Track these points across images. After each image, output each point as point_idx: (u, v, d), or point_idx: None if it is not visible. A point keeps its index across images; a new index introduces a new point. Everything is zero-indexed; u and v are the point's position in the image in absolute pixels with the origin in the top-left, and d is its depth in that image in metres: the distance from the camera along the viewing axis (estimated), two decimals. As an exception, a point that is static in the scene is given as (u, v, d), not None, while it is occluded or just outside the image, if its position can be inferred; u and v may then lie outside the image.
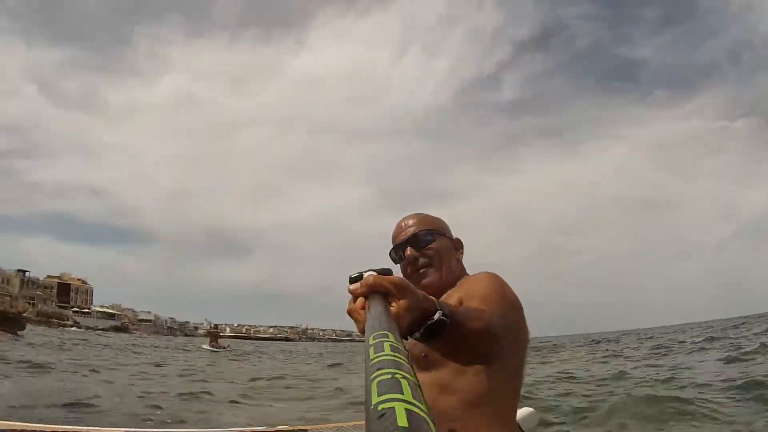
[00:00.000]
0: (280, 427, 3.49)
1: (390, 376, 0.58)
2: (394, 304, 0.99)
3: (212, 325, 28.38)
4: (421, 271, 1.74)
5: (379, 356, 0.65)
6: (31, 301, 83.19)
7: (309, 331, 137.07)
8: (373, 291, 1.00)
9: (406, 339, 1.04)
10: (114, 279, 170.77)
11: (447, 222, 1.88)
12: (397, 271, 1.44)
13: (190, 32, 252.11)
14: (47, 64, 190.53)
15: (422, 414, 0.51)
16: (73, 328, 73.84)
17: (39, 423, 3.31)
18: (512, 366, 1.55)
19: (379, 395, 0.54)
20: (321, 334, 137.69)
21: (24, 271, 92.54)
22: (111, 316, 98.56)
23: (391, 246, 1.81)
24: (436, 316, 1.07)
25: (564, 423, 7.19)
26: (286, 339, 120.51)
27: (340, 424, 3.30)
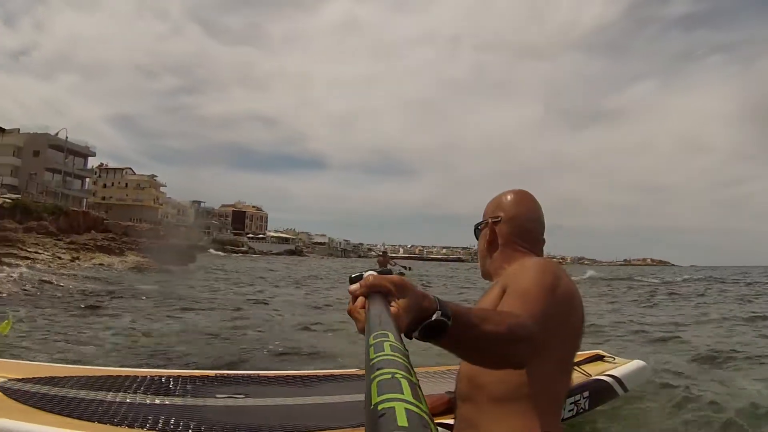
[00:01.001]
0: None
1: (390, 376, 0.58)
2: (394, 303, 0.99)
3: (383, 248, 22.33)
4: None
5: (379, 356, 0.65)
6: (207, 230, 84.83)
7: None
8: (373, 291, 1.01)
9: (410, 339, 1.04)
10: (289, 205, 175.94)
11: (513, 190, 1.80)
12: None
13: None
14: (208, 1, 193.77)
15: (422, 414, 0.51)
16: (248, 254, 73.48)
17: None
18: (553, 363, 1.47)
19: (379, 395, 0.54)
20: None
21: (199, 202, 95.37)
22: (285, 240, 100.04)
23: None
24: (434, 316, 1.05)
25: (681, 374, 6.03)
26: (458, 260, 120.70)
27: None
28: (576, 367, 2.74)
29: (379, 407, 0.51)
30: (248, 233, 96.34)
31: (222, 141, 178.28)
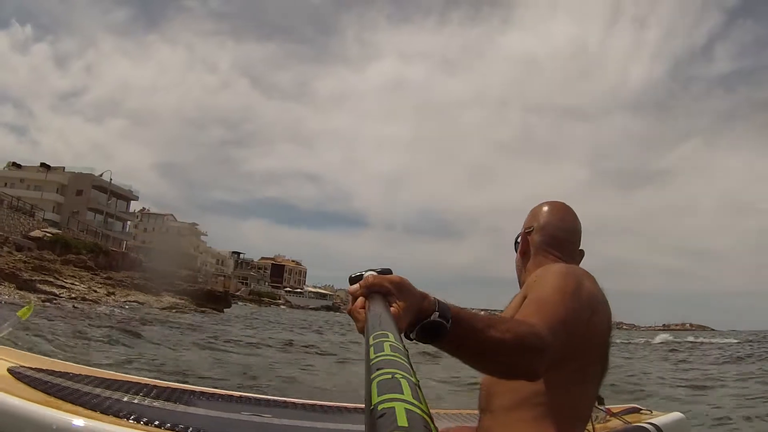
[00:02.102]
0: None
1: (390, 376, 0.58)
2: (394, 304, 0.99)
3: None
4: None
5: (379, 356, 0.65)
6: (244, 281, 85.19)
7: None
8: (373, 291, 1.01)
9: (410, 340, 1.07)
10: (328, 261, 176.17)
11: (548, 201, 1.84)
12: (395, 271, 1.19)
13: (396, 17, 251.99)
14: (257, 58, 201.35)
15: (422, 414, 0.51)
16: (283, 306, 72.80)
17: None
18: (571, 372, 1.42)
19: (379, 395, 0.54)
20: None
21: (238, 253, 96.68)
22: (322, 296, 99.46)
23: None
24: (432, 317, 1.05)
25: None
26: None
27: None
28: (616, 416, 2.71)
29: (379, 407, 0.51)
30: (286, 287, 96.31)
31: (266, 196, 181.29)
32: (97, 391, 2.24)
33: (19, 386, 2.05)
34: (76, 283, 25.99)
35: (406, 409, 0.50)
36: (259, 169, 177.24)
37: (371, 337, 0.73)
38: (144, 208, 78.37)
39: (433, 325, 1.04)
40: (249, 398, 2.84)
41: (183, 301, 32.00)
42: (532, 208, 1.81)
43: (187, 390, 2.72)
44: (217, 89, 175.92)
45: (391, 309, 0.96)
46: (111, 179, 56.45)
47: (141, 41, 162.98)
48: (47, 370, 2.40)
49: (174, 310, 27.61)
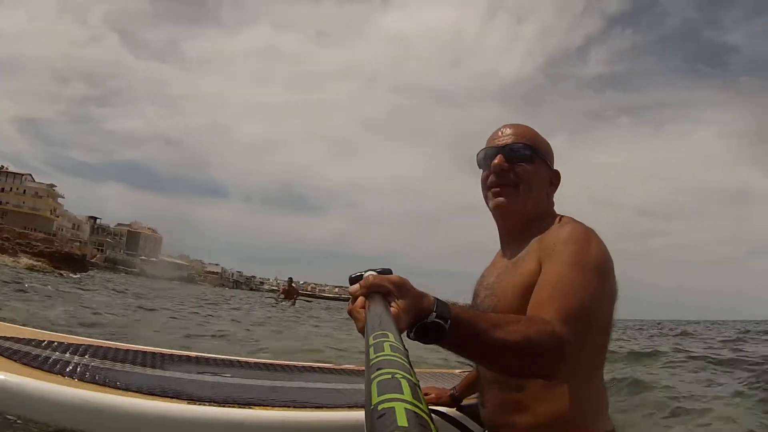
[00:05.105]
0: (346, 366, 3.23)
1: (390, 376, 0.58)
2: (394, 304, 0.98)
3: (288, 280, 21.67)
4: (503, 188, 1.52)
5: (379, 356, 0.65)
6: (100, 248, 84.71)
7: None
8: (373, 291, 1.01)
9: (411, 340, 1.04)
10: (185, 229, 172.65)
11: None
12: (395, 271, 1.13)
13: None
14: (130, 12, 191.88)
15: (422, 414, 0.51)
16: (135, 276, 73.59)
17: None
18: (591, 347, 1.35)
19: (379, 395, 0.54)
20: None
21: (95, 218, 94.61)
22: (178, 266, 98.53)
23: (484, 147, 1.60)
24: (429, 318, 1.03)
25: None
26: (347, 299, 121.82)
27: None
28: None
29: (379, 407, 0.51)
30: (141, 255, 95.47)
31: (125, 158, 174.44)
32: (66, 357, 2.17)
33: None
34: None
35: (406, 409, 0.50)
36: (120, 129, 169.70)
37: (371, 337, 0.73)
38: (2, 166, 75.70)
39: (430, 325, 1.03)
40: (206, 359, 2.74)
41: (40, 263, 32.45)
42: (539, 134, 1.59)
43: (145, 350, 2.66)
44: (86, 42, 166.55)
45: (391, 309, 0.96)
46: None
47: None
48: (14, 338, 2.31)
49: (32, 272, 27.04)
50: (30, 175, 79.30)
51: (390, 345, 0.69)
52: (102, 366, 2.14)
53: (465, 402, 2.05)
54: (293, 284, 19.98)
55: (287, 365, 2.89)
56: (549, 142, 1.62)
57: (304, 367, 2.95)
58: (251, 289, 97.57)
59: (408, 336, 1.02)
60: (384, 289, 1.00)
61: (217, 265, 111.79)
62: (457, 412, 2.01)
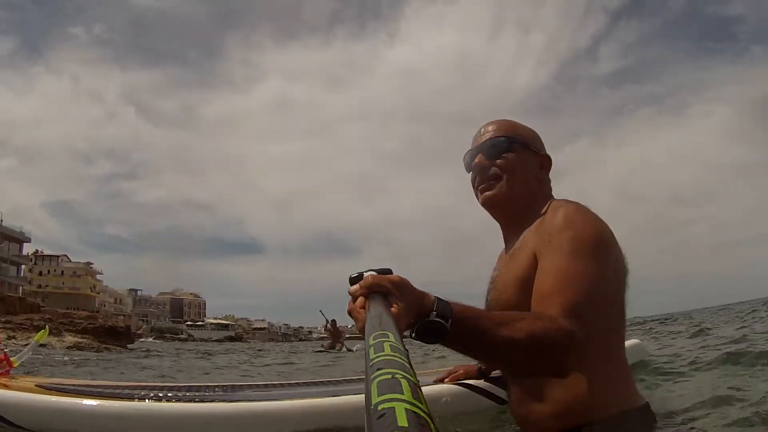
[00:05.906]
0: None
1: (390, 376, 0.58)
2: (394, 304, 0.99)
3: (329, 322, 18.26)
4: (487, 184, 1.56)
5: (379, 356, 0.65)
6: (144, 318, 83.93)
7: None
8: (373, 291, 1.01)
9: (414, 339, 1.07)
10: (227, 290, 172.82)
11: (543, 138, 1.66)
12: (394, 271, 1.14)
13: (281, 37, 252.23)
14: (142, 85, 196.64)
15: (422, 414, 0.51)
16: (182, 341, 72.84)
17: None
18: (599, 338, 1.27)
19: (379, 395, 0.54)
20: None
21: (136, 290, 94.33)
22: (224, 326, 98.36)
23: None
24: (429, 317, 1.04)
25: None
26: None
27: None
28: None
29: (379, 407, 0.51)
30: (187, 320, 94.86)
31: (158, 228, 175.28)
32: (116, 391, 2.24)
33: (44, 391, 2.16)
34: (-25, 330, 25.24)
35: (406, 409, 0.50)
36: (150, 200, 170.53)
37: (371, 337, 0.73)
38: (37, 250, 75.47)
39: (431, 325, 1.02)
40: (208, 386, 2.67)
41: (85, 340, 32.23)
42: (519, 125, 1.61)
43: (202, 386, 2.66)
44: (104, 120, 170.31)
45: (392, 309, 0.95)
46: (2, 220, 54.87)
47: (25, 72, 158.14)
48: (69, 383, 2.48)
49: (78, 350, 27.10)
50: (66, 255, 79.72)
51: (390, 345, 0.68)
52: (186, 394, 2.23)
53: (493, 375, 2.08)
54: (338, 327, 17.63)
55: (296, 383, 2.92)
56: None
57: (306, 383, 2.91)
58: (300, 340, 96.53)
59: (410, 336, 1.04)
60: (384, 288, 1.01)
61: (263, 320, 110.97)
62: (486, 383, 2.08)
